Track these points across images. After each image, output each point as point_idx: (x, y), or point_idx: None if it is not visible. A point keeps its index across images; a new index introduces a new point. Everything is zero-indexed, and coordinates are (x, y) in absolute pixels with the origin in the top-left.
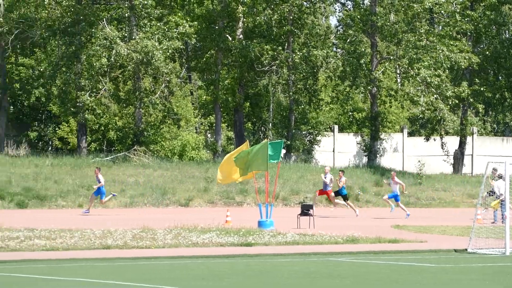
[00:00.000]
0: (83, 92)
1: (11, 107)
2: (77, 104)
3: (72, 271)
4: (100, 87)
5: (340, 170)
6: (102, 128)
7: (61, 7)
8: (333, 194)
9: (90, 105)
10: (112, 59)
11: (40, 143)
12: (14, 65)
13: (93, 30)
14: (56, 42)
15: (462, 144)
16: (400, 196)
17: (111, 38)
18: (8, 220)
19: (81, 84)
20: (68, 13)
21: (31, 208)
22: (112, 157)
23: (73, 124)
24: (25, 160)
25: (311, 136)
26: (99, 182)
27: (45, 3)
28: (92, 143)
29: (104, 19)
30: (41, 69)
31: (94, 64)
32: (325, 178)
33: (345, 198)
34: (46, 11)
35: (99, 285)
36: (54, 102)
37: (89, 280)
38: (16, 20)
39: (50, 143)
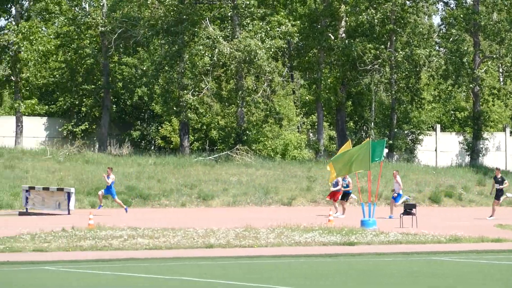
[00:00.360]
0: (185, 91)
1: (114, 106)
2: (180, 103)
3: (175, 270)
4: (203, 86)
5: None
6: (205, 127)
7: (164, 6)
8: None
9: (192, 104)
10: (215, 58)
11: (143, 142)
12: (117, 64)
13: (196, 29)
14: (159, 41)
15: None
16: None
17: (214, 37)
18: (112, 219)
19: (184, 83)
20: (171, 12)
21: (134, 207)
22: (214, 156)
23: (176, 123)
24: (128, 159)
25: (413, 136)
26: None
27: (148, 2)
28: (195, 142)
29: (207, 18)
30: (144, 68)
31: (197, 63)
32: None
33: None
34: (149, 11)
35: (202, 284)
36: (157, 101)
37: (192, 279)
38: (119, 19)
39: (153, 142)
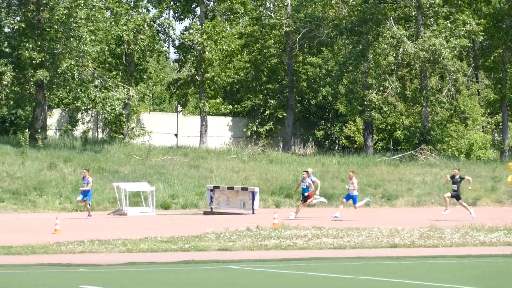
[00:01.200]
0: (370, 90)
1: (298, 105)
2: (364, 102)
3: (360, 270)
4: (387, 86)
5: (304, 171)
6: (389, 127)
7: (348, 6)
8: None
9: (377, 103)
10: (399, 57)
11: (327, 141)
12: (301, 64)
13: (380, 28)
14: (343, 41)
15: None
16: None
17: (398, 36)
18: (296, 218)
19: (368, 82)
20: (355, 12)
21: (318, 206)
22: (398, 156)
23: (360, 123)
24: (312, 159)
25: None
26: (87, 184)
27: (332, 2)
28: (379, 142)
29: (391, 18)
30: (328, 68)
31: (381, 62)
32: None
33: (304, 199)
34: (333, 10)
35: (387, 284)
36: (341, 101)
37: (376, 279)
38: (303, 19)
39: (337, 141)
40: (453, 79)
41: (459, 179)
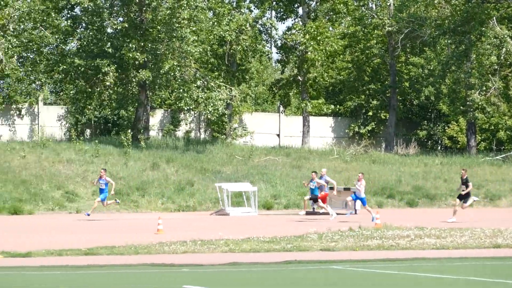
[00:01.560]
0: (472, 90)
1: (401, 105)
2: (467, 102)
3: (462, 270)
4: (490, 86)
5: (312, 171)
6: (492, 127)
7: (451, 6)
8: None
9: (479, 104)
10: (502, 57)
11: (429, 142)
12: (403, 64)
13: (483, 28)
14: (446, 41)
15: None
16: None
17: (501, 36)
18: (399, 218)
19: (471, 82)
20: (458, 12)
21: (421, 206)
22: (502, 156)
23: (463, 123)
24: (414, 159)
25: None
26: (105, 184)
27: (435, 2)
28: (482, 142)
29: (494, 17)
30: (431, 68)
31: (484, 62)
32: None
33: (314, 200)
34: (436, 10)
35: (490, 285)
36: (444, 101)
37: (479, 279)
38: (406, 19)
39: (440, 142)
40: None
41: (465, 180)
